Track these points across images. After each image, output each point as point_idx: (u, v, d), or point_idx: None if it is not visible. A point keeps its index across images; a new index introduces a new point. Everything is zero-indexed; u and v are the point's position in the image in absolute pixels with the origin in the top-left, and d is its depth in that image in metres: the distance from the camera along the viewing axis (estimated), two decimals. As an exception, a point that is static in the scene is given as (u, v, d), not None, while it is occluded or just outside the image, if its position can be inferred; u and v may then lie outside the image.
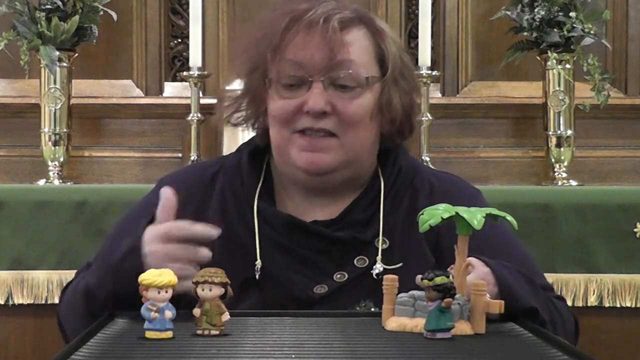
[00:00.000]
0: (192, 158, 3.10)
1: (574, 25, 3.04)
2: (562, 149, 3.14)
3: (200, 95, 3.19)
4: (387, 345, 1.36)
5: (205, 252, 1.58)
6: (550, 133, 3.14)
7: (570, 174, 3.15)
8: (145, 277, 1.37)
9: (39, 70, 3.06)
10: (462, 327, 1.42)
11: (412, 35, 3.37)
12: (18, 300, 2.63)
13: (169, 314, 1.37)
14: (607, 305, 2.65)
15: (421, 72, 3.02)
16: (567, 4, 3.07)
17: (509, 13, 3.15)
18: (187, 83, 3.17)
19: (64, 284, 2.60)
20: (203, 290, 1.40)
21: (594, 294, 2.66)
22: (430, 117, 3.07)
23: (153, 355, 1.27)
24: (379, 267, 1.74)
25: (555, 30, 3.06)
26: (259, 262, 1.75)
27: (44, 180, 3.06)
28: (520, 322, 1.52)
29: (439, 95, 3.36)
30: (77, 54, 3.11)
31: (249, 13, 3.40)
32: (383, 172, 1.83)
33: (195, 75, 3.11)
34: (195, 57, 3.12)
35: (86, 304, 1.68)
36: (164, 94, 3.38)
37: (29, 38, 3.00)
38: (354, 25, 1.76)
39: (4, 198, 2.65)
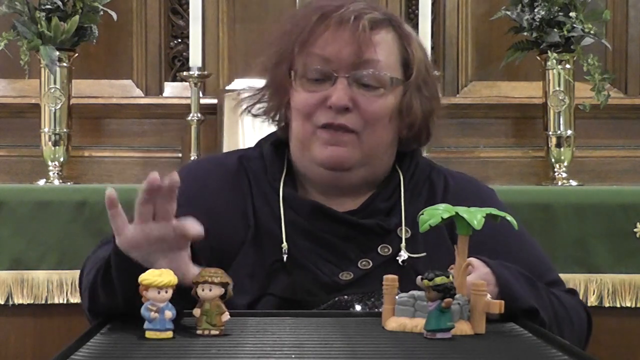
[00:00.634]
0: (192, 158, 3.10)
1: (574, 25, 3.04)
2: (562, 149, 3.14)
3: (200, 95, 3.19)
4: (387, 345, 1.36)
5: (194, 226, 1.51)
6: (550, 133, 3.14)
7: (570, 174, 3.15)
8: (145, 277, 1.37)
9: (39, 70, 3.07)
10: (462, 327, 1.42)
11: (412, 35, 3.37)
12: (18, 300, 2.63)
13: (169, 314, 1.37)
14: (607, 305, 2.66)
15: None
16: (567, 4, 3.07)
17: (509, 13, 3.15)
18: (187, 83, 3.17)
19: (64, 284, 2.63)
20: (203, 290, 1.40)
21: (594, 294, 2.66)
22: (430, 117, 3.07)
23: (153, 355, 1.27)
24: (403, 255, 1.76)
25: (555, 30, 3.06)
26: (285, 245, 1.76)
27: (44, 180, 3.06)
28: (520, 322, 1.52)
29: (439, 95, 3.35)
30: (77, 54, 3.11)
31: (249, 13, 3.40)
32: (401, 166, 1.86)
33: (195, 75, 3.11)
34: (195, 57, 3.12)
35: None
36: (164, 94, 3.38)
37: (29, 38, 3.00)
38: (383, 26, 1.78)
39: (4, 198, 2.65)
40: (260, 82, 1.90)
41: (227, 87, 3.32)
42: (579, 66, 3.09)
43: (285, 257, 1.75)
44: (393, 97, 1.79)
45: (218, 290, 1.40)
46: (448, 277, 1.37)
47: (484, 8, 3.38)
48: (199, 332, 1.40)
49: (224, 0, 3.38)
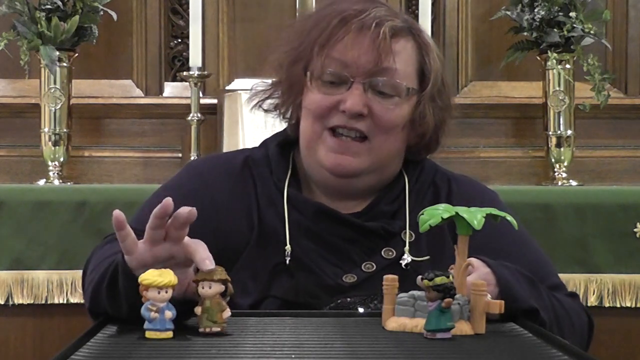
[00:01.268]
0: (192, 158, 3.10)
1: (574, 25, 3.04)
2: (562, 149, 3.14)
3: (200, 95, 3.19)
4: (387, 345, 1.36)
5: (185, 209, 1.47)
6: (550, 133, 3.14)
7: (570, 174, 3.15)
8: (145, 277, 1.37)
9: (39, 70, 3.07)
10: (462, 327, 1.42)
11: (412, 35, 3.37)
12: (18, 300, 2.63)
13: (169, 314, 1.37)
14: (607, 305, 2.66)
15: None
16: (567, 4, 3.07)
17: (509, 13, 3.15)
18: (187, 83, 3.17)
19: (64, 284, 2.63)
20: (203, 287, 1.40)
21: (594, 294, 2.66)
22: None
23: (153, 355, 1.27)
24: (407, 258, 1.76)
25: (555, 30, 3.06)
26: (288, 247, 1.76)
27: (44, 180, 3.06)
28: (520, 322, 1.52)
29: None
30: (77, 54, 3.11)
31: (249, 13, 3.40)
32: (407, 170, 1.86)
33: (195, 75, 3.11)
34: (195, 57, 3.12)
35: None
36: (164, 94, 3.38)
37: (29, 38, 3.00)
38: (403, 35, 1.78)
39: (4, 198, 2.65)
40: (255, 80, 1.90)
41: (227, 87, 3.32)
42: (579, 66, 3.09)
43: (288, 259, 1.75)
44: (407, 106, 1.78)
45: (218, 287, 1.40)
46: (448, 277, 1.37)
47: (484, 8, 3.38)
48: (200, 330, 1.40)
49: (224, 0, 3.38)
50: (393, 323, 1.46)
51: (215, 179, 1.83)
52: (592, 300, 2.64)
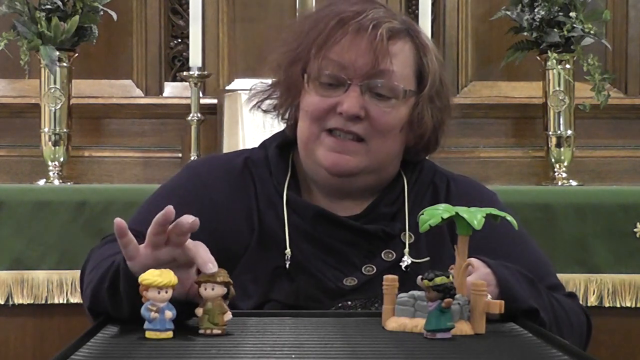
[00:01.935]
0: (192, 158, 3.10)
1: (574, 25, 3.04)
2: (562, 149, 3.14)
3: (200, 95, 3.19)
4: (387, 345, 1.36)
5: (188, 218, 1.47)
6: (550, 133, 3.14)
7: (570, 174, 3.15)
8: (145, 277, 1.37)
9: (39, 70, 3.07)
10: (462, 327, 1.42)
11: (412, 35, 3.37)
12: (18, 300, 2.63)
13: (169, 314, 1.37)
14: (607, 305, 2.66)
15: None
16: (567, 4, 3.07)
17: (509, 13, 3.15)
18: (187, 83, 3.17)
19: (64, 284, 2.63)
20: (205, 289, 1.40)
21: (594, 294, 2.66)
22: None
23: (153, 355, 1.27)
24: (407, 260, 1.76)
25: (555, 30, 3.06)
26: (288, 251, 1.76)
27: (44, 180, 3.06)
28: (520, 322, 1.52)
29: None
30: (77, 54, 3.11)
31: (249, 13, 3.40)
32: (405, 171, 1.86)
33: (195, 75, 3.11)
34: (195, 57, 3.12)
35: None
36: (164, 94, 3.38)
37: (29, 38, 3.00)
38: (401, 36, 1.77)
39: (4, 198, 2.65)
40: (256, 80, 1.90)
41: (227, 87, 3.32)
42: (579, 66, 3.09)
43: (288, 263, 1.75)
44: (405, 108, 1.78)
45: (220, 290, 1.40)
46: (448, 277, 1.37)
47: (484, 8, 3.38)
48: (201, 331, 1.40)
49: (224, 0, 3.38)
50: (393, 323, 1.46)
51: (214, 180, 1.83)
52: (592, 300, 2.64)
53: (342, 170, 1.77)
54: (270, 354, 1.28)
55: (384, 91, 1.75)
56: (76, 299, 2.60)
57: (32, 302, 2.63)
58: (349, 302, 1.73)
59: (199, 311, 1.41)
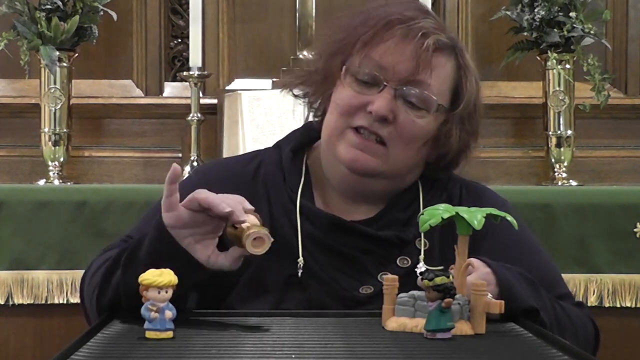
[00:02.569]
0: (192, 158, 3.10)
1: (574, 25, 3.04)
2: (562, 149, 3.14)
3: (200, 95, 3.19)
4: (387, 345, 1.36)
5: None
6: (550, 133, 3.14)
7: (570, 174, 3.15)
8: (146, 277, 1.37)
9: (39, 70, 3.07)
10: (462, 327, 1.42)
11: (412, 35, 3.37)
12: (18, 300, 2.63)
13: (169, 314, 1.37)
14: (607, 305, 2.66)
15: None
16: (567, 4, 3.07)
17: (509, 13, 3.15)
18: (187, 83, 3.17)
19: (64, 284, 2.63)
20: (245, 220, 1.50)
21: (594, 294, 2.66)
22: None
23: (153, 355, 1.27)
24: (421, 267, 1.75)
25: (555, 30, 3.06)
26: (301, 260, 1.75)
27: (44, 180, 3.06)
28: (520, 322, 1.52)
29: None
30: (77, 54, 3.11)
31: (249, 13, 3.40)
32: (421, 178, 1.84)
33: (195, 75, 3.11)
34: (195, 57, 3.12)
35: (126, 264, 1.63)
36: (164, 94, 3.38)
37: (29, 38, 3.00)
38: (446, 52, 1.77)
39: (4, 198, 2.65)
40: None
41: (227, 87, 3.32)
42: (579, 66, 3.09)
43: (300, 272, 1.74)
44: (434, 122, 1.77)
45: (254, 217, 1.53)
46: (448, 277, 1.37)
47: (484, 8, 3.38)
48: (248, 244, 1.47)
49: (224, 0, 3.38)
50: (393, 323, 1.46)
51: (220, 189, 1.81)
52: (592, 300, 2.64)
53: (360, 168, 1.76)
54: (270, 354, 1.28)
55: (417, 101, 1.74)
56: (76, 299, 2.60)
57: (32, 302, 2.63)
58: (363, 311, 1.71)
59: (240, 230, 1.49)
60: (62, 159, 3.09)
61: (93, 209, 2.64)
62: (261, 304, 1.72)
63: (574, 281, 2.64)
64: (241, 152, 2.81)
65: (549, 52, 3.08)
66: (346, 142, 1.76)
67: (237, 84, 3.34)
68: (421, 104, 1.74)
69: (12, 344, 2.66)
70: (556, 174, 3.15)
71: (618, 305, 2.66)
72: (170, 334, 1.37)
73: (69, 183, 3.07)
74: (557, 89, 3.12)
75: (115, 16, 3.09)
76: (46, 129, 3.08)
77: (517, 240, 1.74)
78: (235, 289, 1.72)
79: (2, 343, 2.65)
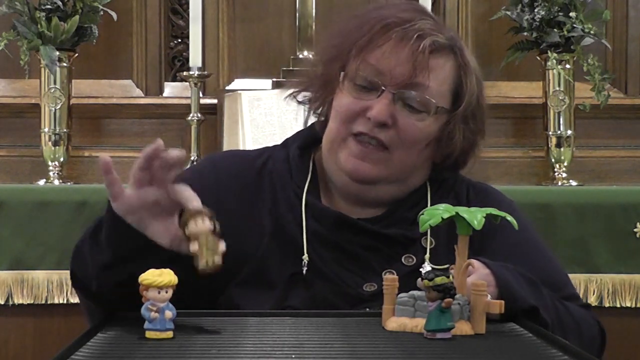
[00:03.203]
0: (192, 158, 3.10)
1: (574, 25, 3.04)
2: (562, 149, 3.14)
3: (200, 95, 3.19)
4: (387, 345, 1.36)
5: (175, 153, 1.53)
6: (550, 133, 3.14)
7: (570, 174, 3.15)
8: (145, 277, 1.37)
9: (39, 70, 3.07)
10: (462, 327, 1.42)
11: (412, 35, 3.37)
12: (18, 300, 2.63)
13: (169, 314, 1.37)
14: (607, 305, 2.66)
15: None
16: (567, 4, 3.07)
17: (509, 13, 3.15)
18: (187, 83, 3.17)
19: (64, 284, 2.63)
20: (196, 224, 1.42)
21: (594, 294, 2.66)
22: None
23: (153, 355, 1.27)
24: (427, 266, 1.74)
25: (555, 30, 3.06)
26: (305, 257, 1.74)
27: (44, 180, 3.06)
28: (521, 322, 1.52)
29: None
30: (77, 54, 3.11)
31: (249, 13, 3.40)
32: (429, 178, 1.84)
33: (195, 75, 3.11)
34: (195, 57, 3.12)
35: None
36: (164, 94, 3.38)
37: (29, 38, 3.00)
38: (443, 52, 1.75)
39: (4, 198, 2.65)
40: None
41: (227, 87, 3.32)
42: (579, 66, 3.09)
43: (305, 270, 1.73)
44: (435, 124, 1.76)
45: (210, 224, 1.43)
46: (448, 277, 1.37)
47: (484, 8, 3.38)
48: (201, 266, 1.41)
49: (224, 0, 3.38)
50: (393, 323, 1.46)
51: (227, 178, 1.80)
52: (592, 300, 2.64)
53: (361, 177, 1.76)
54: (270, 354, 1.28)
55: (416, 104, 1.73)
56: (76, 299, 2.59)
57: (32, 302, 2.63)
58: (368, 309, 1.70)
59: (194, 246, 1.41)
60: (62, 159, 3.09)
61: (93, 209, 2.64)
62: (265, 300, 1.71)
63: (574, 281, 2.61)
64: (241, 152, 2.81)
65: (549, 52, 3.08)
66: (347, 150, 1.75)
67: (237, 84, 3.34)
68: (420, 106, 1.74)
69: (12, 344, 2.66)
70: (556, 174, 3.15)
71: (618, 305, 2.66)
72: (170, 334, 1.37)
73: (69, 183, 3.07)
74: (557, 89, 3.12)
75: (115, 16, 3.09)
76: (46, 129, 3.08)
77: (525, 241, 1.73)
78: (239, 286, 1.72)
79: (2, 343, 2.65)
